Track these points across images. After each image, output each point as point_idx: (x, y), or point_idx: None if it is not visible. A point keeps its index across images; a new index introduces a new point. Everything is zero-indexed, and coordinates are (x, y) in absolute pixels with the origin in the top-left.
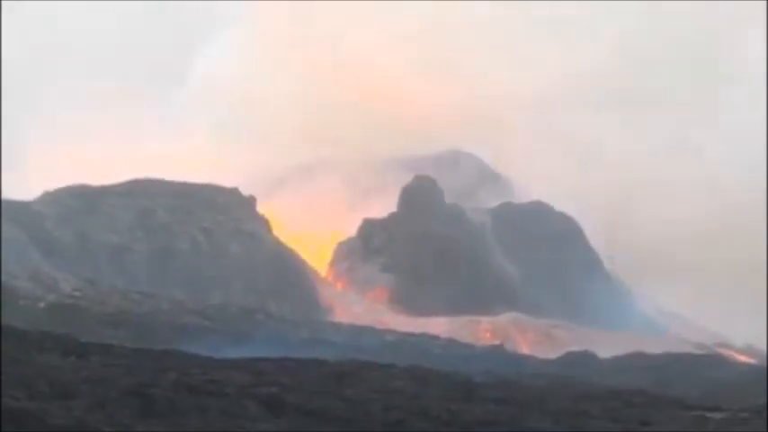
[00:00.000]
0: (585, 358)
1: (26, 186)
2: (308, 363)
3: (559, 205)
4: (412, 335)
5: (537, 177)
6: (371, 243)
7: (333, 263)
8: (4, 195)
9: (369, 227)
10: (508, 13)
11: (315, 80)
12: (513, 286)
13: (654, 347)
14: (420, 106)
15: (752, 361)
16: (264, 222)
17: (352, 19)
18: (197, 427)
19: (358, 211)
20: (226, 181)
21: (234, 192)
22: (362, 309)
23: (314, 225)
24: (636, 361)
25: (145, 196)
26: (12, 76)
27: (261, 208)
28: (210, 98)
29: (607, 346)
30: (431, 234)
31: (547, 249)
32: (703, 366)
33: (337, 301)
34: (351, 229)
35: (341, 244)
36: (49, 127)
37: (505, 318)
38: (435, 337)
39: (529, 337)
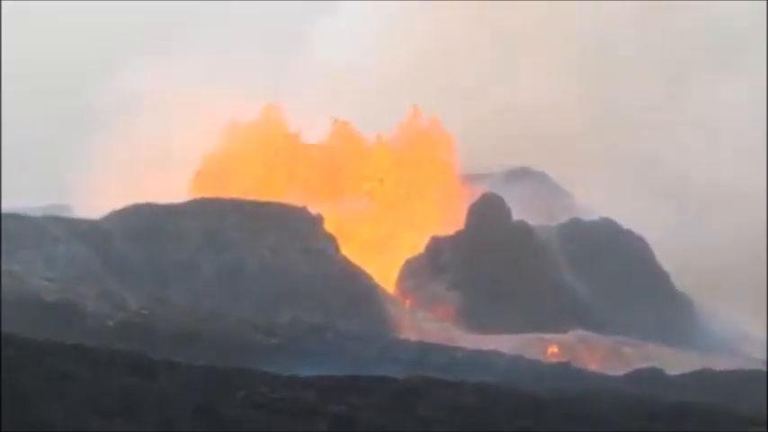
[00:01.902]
0: (654, 375)
1: (94, 205)
2: (378, 380)
3: (628, 222)
4: (480, 352)
5: (604, 194)
6: (439, 260)
7: (400, 280)
8: (73, 214)
9: (436, 244)
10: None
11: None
12: (580, 303)
13: (723, 365)
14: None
15: None
16: (333, 240)
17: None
18: None
19: (425, 228)
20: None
21: (302, 210)
22: (431, 326)
23: (381, 241)
24: (704, 378)
25: (213, 215)
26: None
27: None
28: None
29: (675, 364)
30: (498, 251)
31: (614, 266)
32: None
33: (405, 318)
34: (418, 246)
35: (408, 261)
36: (121, 142)
37: (573, 335)
38: (503, 355)
39: (596, 354)
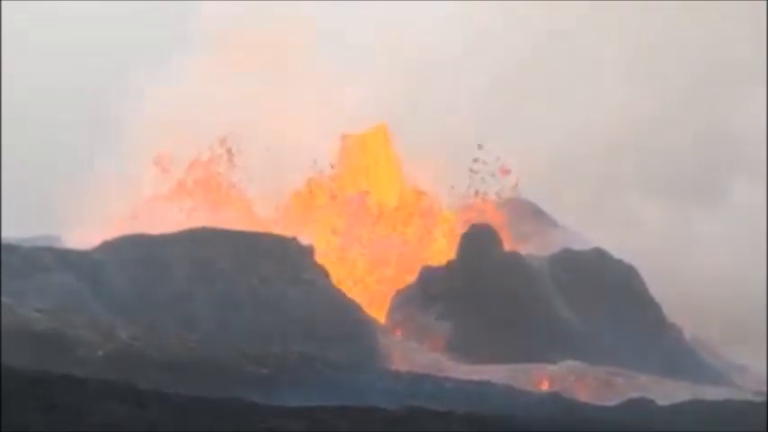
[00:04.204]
0: (644, 405)
1: (85, 236)
2: (368, 411)
3: (619, 252)
4: (470, 382)
5: (595, 224)
6: (430, 290)
7: (391, 310)
8: (64, 245)
9: (427, 274)
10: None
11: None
12: (571, 333)
13: (713, 395)
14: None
15: None
16: (323, 271)
17: None
18: None
19: (416, 258)
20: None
21: (293, 241)
22: (421, 356)
23: (372, 272)
24: (695, 408)
25: (204, 245)
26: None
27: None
28: None
29: (666, 394)
30: (489, 281)
31: (605, 296)
32: (763, 413)
33: (396, 348)
34: (409, 276)
35: (399, 291)
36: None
37: (564, 365)
38: (493, 385)
39: (587, 384)
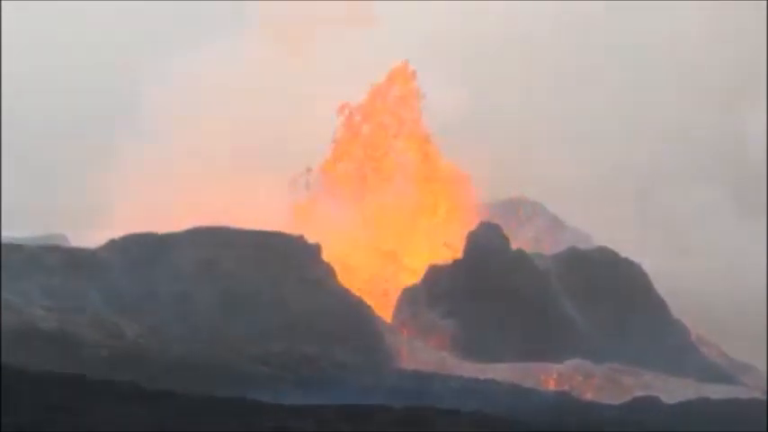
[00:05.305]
0: (651, 404)
1: (91, 235)
2: (373, 409)
3: (624, 251)
4: (476, 381)
5: (601, 224)
6: (436, 289)
7: (397, 309)
8: (70, 244)
9: (433, 273)
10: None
11: None
12: (577, 332)
13: (719, 393)
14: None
15: None
16: (330, 269)
17: None
18: None
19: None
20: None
21: (299, 239)
22: (427, 355)
23: (380, 271)
24: (701, 407)
25: (210, 244)
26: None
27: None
28: None
29: (672, 392)
30: (495, 280)
31: (612, 295)
32: None
33: (402, 347)
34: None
35: (405, 290)
36: (116, 172)
37: (570, 364)
38: (499, 384)
39: (593, 382)
